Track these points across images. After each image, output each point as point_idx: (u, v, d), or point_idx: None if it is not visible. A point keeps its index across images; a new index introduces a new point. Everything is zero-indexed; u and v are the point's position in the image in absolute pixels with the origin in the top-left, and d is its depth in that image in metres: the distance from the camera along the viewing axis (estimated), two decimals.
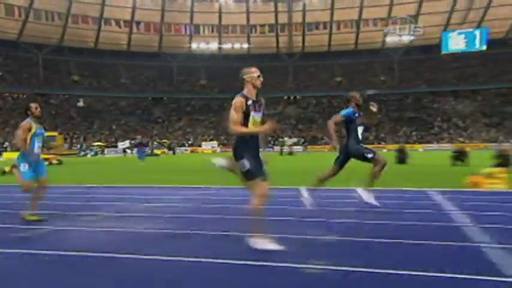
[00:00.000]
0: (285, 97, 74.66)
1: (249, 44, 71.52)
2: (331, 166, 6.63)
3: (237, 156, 4.27)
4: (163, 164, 24.55)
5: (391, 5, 64.33)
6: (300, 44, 73.14)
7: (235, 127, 4.18)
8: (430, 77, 70.31)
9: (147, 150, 29.96)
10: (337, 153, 6.63)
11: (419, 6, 63.86)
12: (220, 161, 4.72)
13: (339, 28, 68.04)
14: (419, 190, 8.63)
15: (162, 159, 32.83)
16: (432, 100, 69.00)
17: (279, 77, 71.44)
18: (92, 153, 48.94)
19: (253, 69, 4.44)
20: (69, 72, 69.84)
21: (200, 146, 55.54)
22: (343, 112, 6.48)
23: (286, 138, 48.53)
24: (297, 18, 67.13)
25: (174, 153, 48.83)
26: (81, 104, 66.42)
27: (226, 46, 71.10)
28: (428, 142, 59.51)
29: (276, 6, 64.50)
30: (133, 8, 63.33)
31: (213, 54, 73.40)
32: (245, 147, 4.30)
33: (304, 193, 6.55)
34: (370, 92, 71.38)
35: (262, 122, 4.39)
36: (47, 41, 65.89)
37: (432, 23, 67.20)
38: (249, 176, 4.20)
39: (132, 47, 71.26)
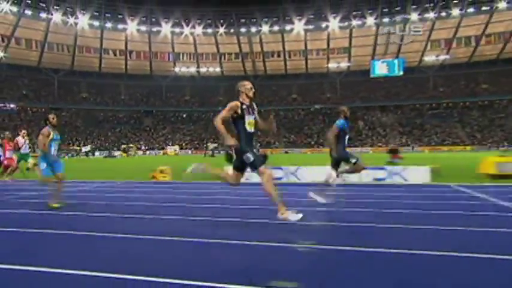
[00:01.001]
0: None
1: (221, 68, 77.96)
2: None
3: (241, 151, 4.46)
4: (83, 164, 27.11)
5: (328, 39, 70.76)
6: (262, 68, 79.44)
7: (218, 119, 4.41)
8: (364, 95, 76.41)
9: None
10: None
11: (350, 40, 70.20)
12: (194, 167, 4.77)
13: (290, 56, 74.46)
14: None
15: (104, 160, 36.63)
16: (364, 113, 75.00)
17: None
18: (69, 155, 52.58)
19: (246, 82, 4.67)
20: (79, 91, 76.07)
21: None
22: (338, 123, 6.47)
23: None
24: (257, 48, 73.50)
25: (127, 155, 52.22)
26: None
27: (203, 70, 77.39)
28: (355, 146, 65.64)
29: (238, 39, 70.89)
30: (126, 40, 69.82)
31: (194, 76, 79.66)
32: (247, 144, 4.47)
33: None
34: (317, 106, 77.90)
35: (256, 123, 4.61)
36: (61, 66, 71.81)
37: (364, 53, 73.64)
38: (254, 165, 4.39)
39: (129, 71, 77.51)
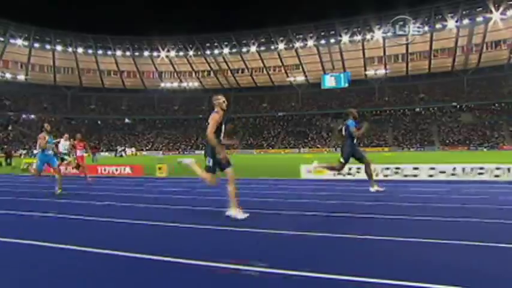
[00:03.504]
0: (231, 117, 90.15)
1: (201, 83, 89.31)
2: (338, 160, 7.42)
3: (208, 154, 4.95)
4: None
5: (280, 58, 79.82)
6: (234, 82, 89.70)
7: (211, 134, 4.90)
8: (322, 104, 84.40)
9: None
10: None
11: (298, 58, 78.95)
12: (185, 160, 5.35)
13: (252, 72, 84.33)
14: None
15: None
16: (319, 119, 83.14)
17: None
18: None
19: (220, 96, 5.20)
20: (89, 103, 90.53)
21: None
22: (348, 123, 7.29)
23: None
24: (224, 65, 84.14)
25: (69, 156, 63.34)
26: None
27: (184, 84, 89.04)
28: (295, 147, 74.24)
29: (206, 59, 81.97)
30: (116, 63, 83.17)
31: (182, 89, 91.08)
32: (214, 150, 4.94)
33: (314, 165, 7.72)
34: (280, 113, 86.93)
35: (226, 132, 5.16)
36: (73, 84, 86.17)
37: (317, 68, 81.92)
38: (211, 170, 4.97)
39: (127, 86, 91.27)
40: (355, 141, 7.38)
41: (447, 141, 64.76)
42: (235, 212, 5.13)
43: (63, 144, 12.55)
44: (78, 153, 12.33)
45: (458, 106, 71.12)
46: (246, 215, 5.11)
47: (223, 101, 5.24)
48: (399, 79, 79.27)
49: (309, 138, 77.24)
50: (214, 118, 5.04)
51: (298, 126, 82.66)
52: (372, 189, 7.39)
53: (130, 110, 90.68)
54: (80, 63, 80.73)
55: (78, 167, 12.60)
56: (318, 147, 72.34)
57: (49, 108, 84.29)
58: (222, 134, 5.21)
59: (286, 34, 73.46)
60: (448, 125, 69.45)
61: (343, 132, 7.54)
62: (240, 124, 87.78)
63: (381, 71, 77.15)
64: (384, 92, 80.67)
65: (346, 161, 7.46)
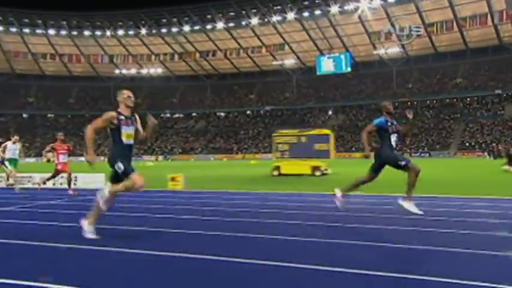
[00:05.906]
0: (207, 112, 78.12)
1: (167, 69, 77.26)
2: (367, 172, 6.33)
3: (112, 160, 4.59)
4: None
5: (258, 36, 67.01)
6: (210, 68, 77.10)
7: (89, 129, 4.54)
8: (323, 94, 71.54)
9: None
10: (372, 160, 6.36)
11: (281, 35, 66.05)
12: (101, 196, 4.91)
13: (226, 54, 71.74)
14: None
15: None
16: (316, 114, 70.19)
17: (199, 95, 77.39)
18: None
19: (125, 91, 4.79)
20: (27, 95, 79.29)
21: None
22: (376, 121, 6.26)
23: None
24: (190, 48, 71.78)
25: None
26: None
27: (145, 71, 77.04)
28: (269, 152, 61.74)
29: (163, 39, 69.79)
30: (51, 44, 71.22)
31: (146, 77, 78.95)
32: (119, 154, 4.61)
33: (338, 195, 6.51)
34: (267, 108, 74.15)
35: (135, 134, 4.72)
36: (2, 70, 73.83)
37: (311, 48, 68.96)
38: (126, 173, 4.55)
39: (75, 73, 79.95)
40: (393, 142, 6.13)
41: (467, 144, 52.84)
42: (87, 226, 4.69)
43: (10, 148, 11.65)
44: (61, 158, 10.42)
45: (504, 94, 57.99)
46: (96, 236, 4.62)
47: (128, 96, 4.76)
48: (433, 58, 66.20)
49: None
50: (106, 114, 4.61)
51: (286, 123, 69.74)
52: (404, 204, 6.21)
53: (79, 104, 79.62)
54: (3, 44, 69.26)
55: (54, 176, 10.94)
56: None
57: None
58: (129, 139, 4.67)
59: (256, 6, 60.72)
60: (480, 121, 56.99)
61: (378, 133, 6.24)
62: (213, 122, 75.80)
63: (394, 49, 63.92)
64: (408, 76, 67.82)
65: (378, 170, 6.26)
